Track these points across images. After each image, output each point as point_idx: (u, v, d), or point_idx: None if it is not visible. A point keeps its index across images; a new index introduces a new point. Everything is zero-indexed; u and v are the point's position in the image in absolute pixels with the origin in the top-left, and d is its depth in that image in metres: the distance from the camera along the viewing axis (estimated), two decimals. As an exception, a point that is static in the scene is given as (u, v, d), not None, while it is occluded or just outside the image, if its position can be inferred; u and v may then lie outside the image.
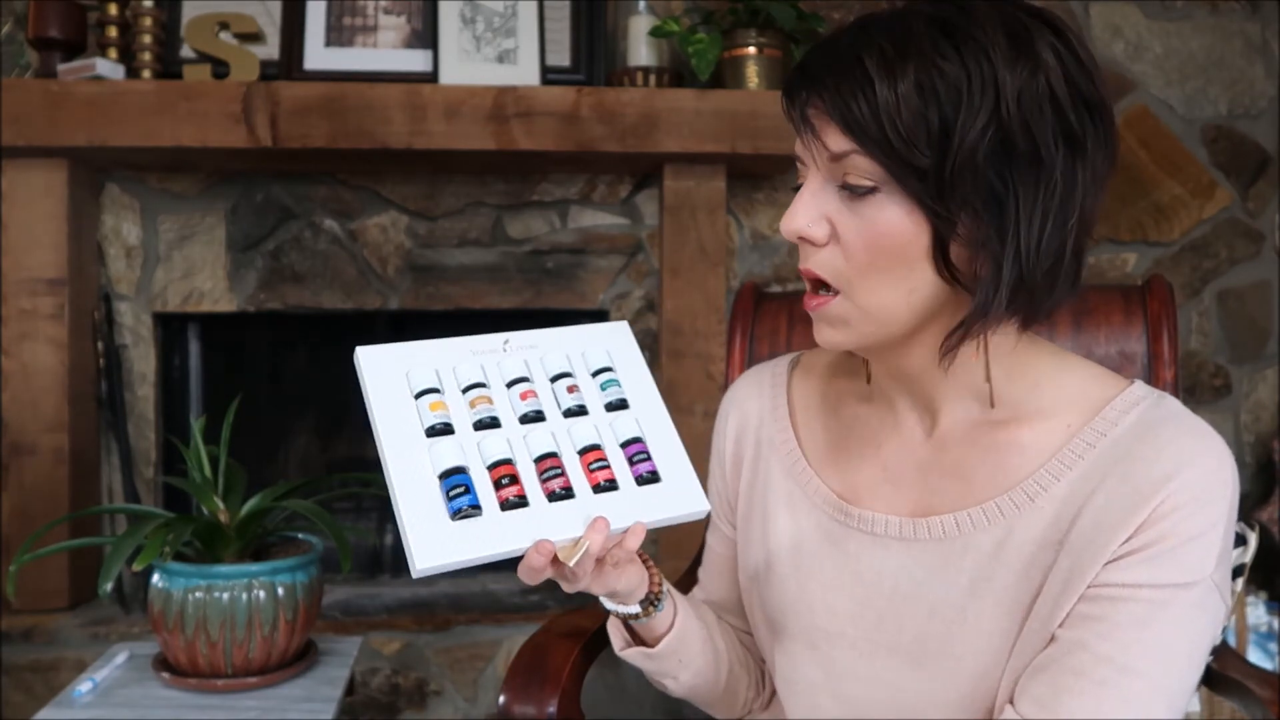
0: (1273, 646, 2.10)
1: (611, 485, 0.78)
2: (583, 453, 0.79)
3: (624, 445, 0.80)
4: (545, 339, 0.84)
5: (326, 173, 2.05)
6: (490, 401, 0.79)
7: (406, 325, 2.18)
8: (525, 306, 2.10)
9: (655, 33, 1.97)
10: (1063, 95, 0.68)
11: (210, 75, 1.89)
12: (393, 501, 0.73)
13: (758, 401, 0.94)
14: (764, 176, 2.14)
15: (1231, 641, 2.00)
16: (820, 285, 0.75)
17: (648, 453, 0.80)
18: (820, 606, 0.83)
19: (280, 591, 1.32)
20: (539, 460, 0.77)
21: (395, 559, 2.24)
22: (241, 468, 1.43)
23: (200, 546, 1.35)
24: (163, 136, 1.82)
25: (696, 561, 1.09)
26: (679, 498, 0.79)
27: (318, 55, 1.97)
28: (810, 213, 0.73)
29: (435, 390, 0.78)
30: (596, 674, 1.98)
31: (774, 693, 0.95)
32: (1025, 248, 0.69)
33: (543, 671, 1.03)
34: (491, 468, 0.76)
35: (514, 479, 0.75)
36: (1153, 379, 1.13)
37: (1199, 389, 2.30)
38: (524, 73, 1.97)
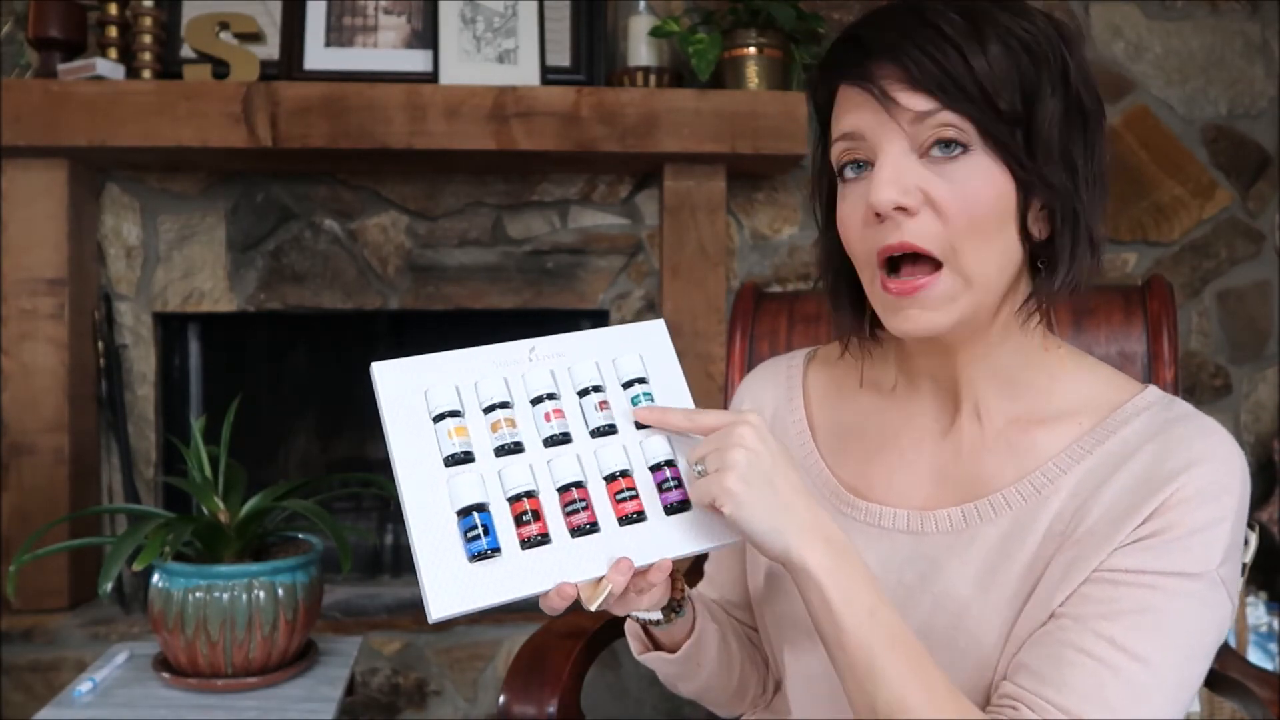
0: (1273, 646, 2.10)
1: (639, 517, 0.73)
2: (610, 479, 0.74)
3: (654, 469, 0.75)
4: (574, 345, 0.78)
5: (326, 173, 2.05)
6: (513, 424, 0.74)
7: (406, 325, 2.18)
8: (525, 306, 2.10)
9: (655, 33, 1.97)
10: (1088, 71, 0.73)
11: (210, 75, 1.89)
12: (409, 537, 0.70)
13: (773, 392, 0.94)
14: (764, 176, 2.14)
15: (1231, 641, 2.00)
16: (904, 262, 0.73)
17: (678, 477, 0.75)
18: None
19: (280, 591, 1.32)
20: (563, 490, 0.73)
21: (395, 559, 2.24)
22: (241, 468, 1.43)
23: (200, 546, 1.35)
24: (163, 136, 1.83)
25: (702, 555, 1.08)
26: (708, 528, 0.74)
27: (318, 55, 1.97)
28: (900, 182, 0.70)
29: (456, 413, 0.73)
30: (596, 674, 1.99)
31: (777, 689, 0.95)
32: (1089, 205, 0.72)
33: (543, 671, 1.03)
34: (513, 500, 0.72)
35: (536, 514, 0.72)
36: (1153, 379, 1.13)
37: (1199, 389, 2.30)
38: (524, 73, 1.97)
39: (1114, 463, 0.74)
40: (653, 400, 0.78)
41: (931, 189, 0.70)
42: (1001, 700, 0.71)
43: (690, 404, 0.80)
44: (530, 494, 0.72)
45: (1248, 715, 1.04)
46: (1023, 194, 0.71)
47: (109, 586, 1.21)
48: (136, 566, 1.22)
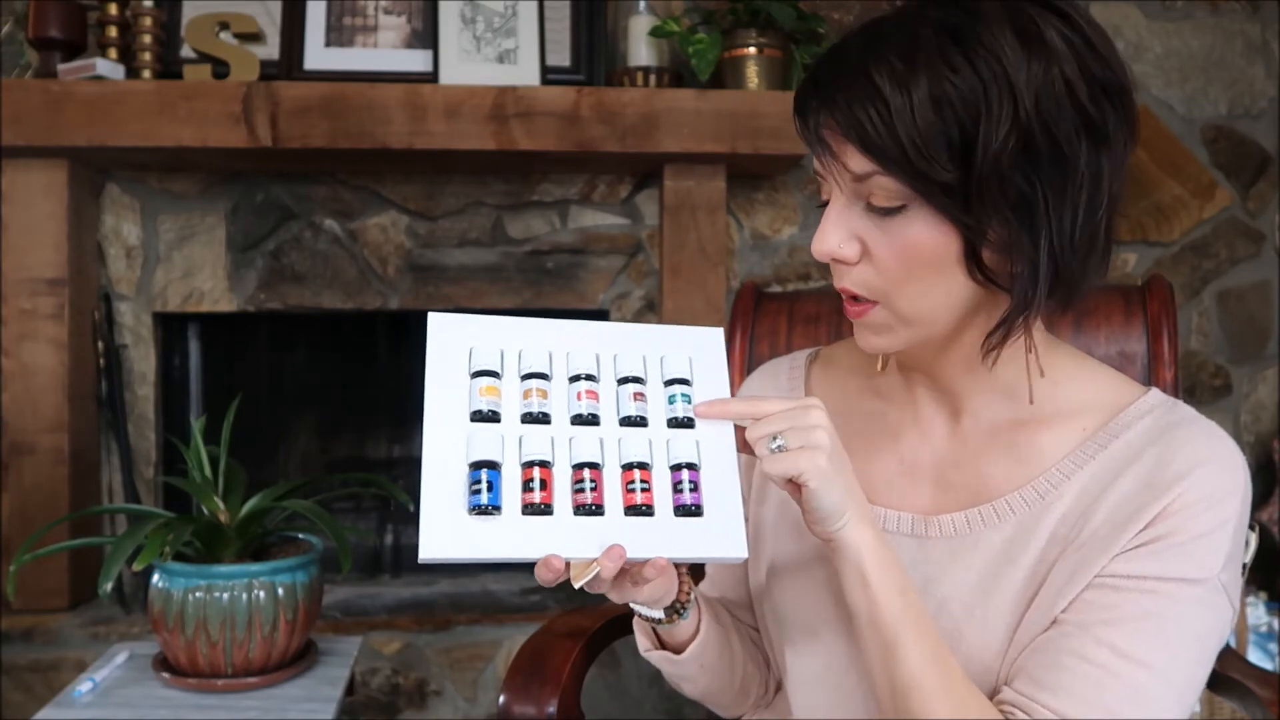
0: (1273, 646, 2.10)
1: (646, 510, 0.73)
2: (626, 468, 0.74)
3: (674, 468, 0.75)
4: (627, 335, 0.80)
5: (326, 173, 2.05)
6: (545, 396, 0.75)
7: (407, 325, 2.18)
8: (525, 306, 2.09)
9: (655, 33, 1.97)
10: (1078, 85, 0.68)
11: (210, 75, 1.89)
12: (420, 480, 0.71)
13: (774, 392, 0.94)
14: (764, 176, 2.14)
15: (1231, 642, 2.00)
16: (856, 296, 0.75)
17: (697, 482, 0.74)
18: (827, 599, 0.83)
19: (280, 591, 1.32)
20: (577, 468, 0.74)
21: (395, 559, 2.24)
22: (241, 468, 1.43)
23: (200, 546, 1.35)
24: (163, 136, 1.82)
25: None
26: (715, 538, 0.74)
27: (318, 55, 1.97)
28: (839, 233, 0.73)
29: (493, 373, 0.75)
30: (596, 674, 1.99)
31: (778, 689, 0.95)
32: (1059, 243, 0.69)
33: (543, 671, 1.03)
34: (526, 466, 0.73)
35: (544, 484, 0.72)
36: (1153, 379, 1.13)
37: (1199, 389, 2.30)
38: (524, 73, 1.97)
39: (1117, 467, 0.74)
40: (690, 403, 0.78)
41: (869, 240, 0.72)
42: (1001, 705, 0.71)
43: (728, 420, 0.79)
44: (544, 464, 0.73)
45: (1248, 715, 1.04)
46: (968, 241, 0.69)
47: (109, 586, 1.21)
48: (136, 566, 1.22)
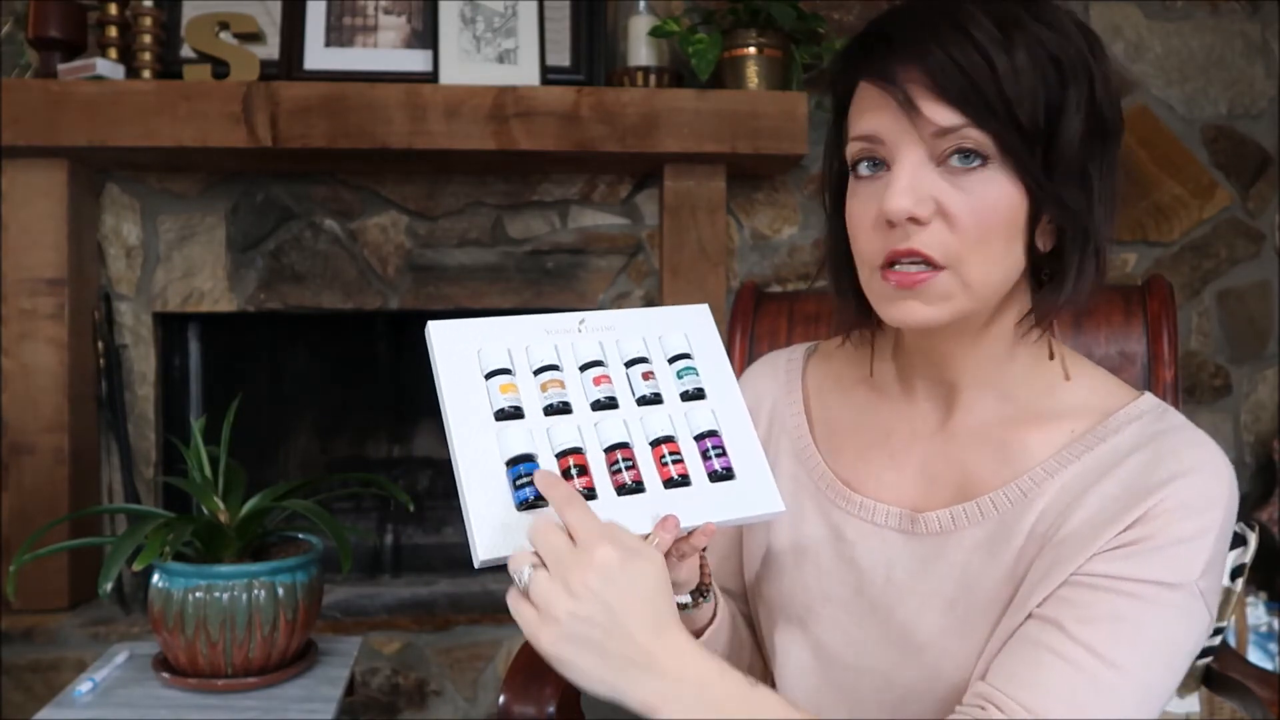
0: (1273, 646, 2.10)
1: (684, 480, 0.75)
2: (655, 444, 0.76)
3: (698, 438, 0.77)
4: (622, 320, 0.81)
5: (326, 173, 2.05)
6: (562, 385, 0.76)
7: (407, 325, 2.18)
8: (525, 306, 2.10)
9: (655, 33, 1.97)
10: (1111, 85, 0.73)
11: (210, 75, 1.89)
12: (458, 486, 0.71)
13: (772, 384, 0.94)
14: (764, 176, 2.14)
15: (1231, 641, 2.00)
16: (914, 262, 0.72)
17: (723, 447, 0.77)
18: (816, 590, 0.84)
19: (280, 591, 1.32)
20: (609, 450, 0.75)
21: (395, 559, 2.24)
22: (241, 468, 1.43)
23: (200, 546, 1.35)
24: (163, 136, 1.83)
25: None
26: (753, 497, 0.76)
27: (318, 55, 1.97)
28: (916, 192, 0.70)
29: (507, 371, 0.76)
30: (596, 674, 1.98)
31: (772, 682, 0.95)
32: (1100, 223, 0.72)
33: (543, 671, 1.03)
34: (560, 456, 0.73)
35: (583, 469, 0.73)
36: (1153, 379, 1.13)
37: (1199, 389, 2.30)
38: (524, 73, 1.97)
39: (1102, 469, 0.74)
40: (697, 375, 0.80)
41: (946, 199, 0.70)
42: (972, 698, 0.71)
43: (734, 382, 0.81)
44: (577, 451, 0.74)
45: (1248, 715, 1.04)
46: (1035, 208, 0.71)
47: (109, 586, 1.21)
48: (136, 566, 1.22)
